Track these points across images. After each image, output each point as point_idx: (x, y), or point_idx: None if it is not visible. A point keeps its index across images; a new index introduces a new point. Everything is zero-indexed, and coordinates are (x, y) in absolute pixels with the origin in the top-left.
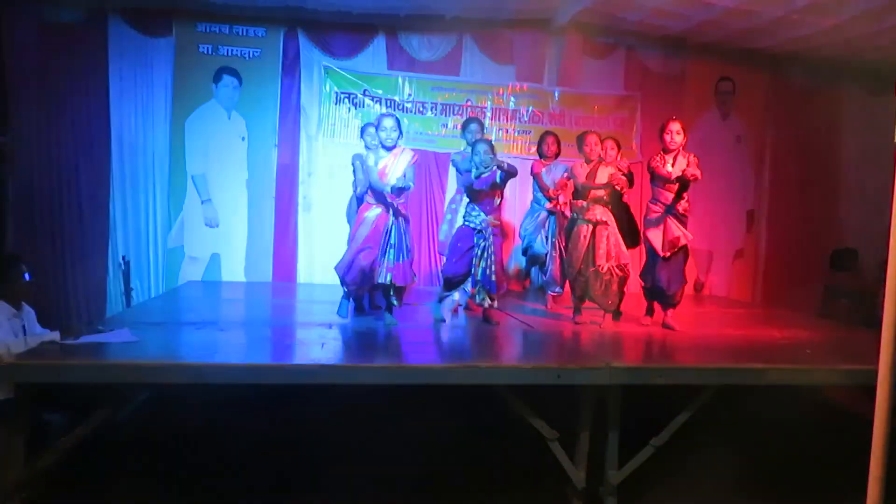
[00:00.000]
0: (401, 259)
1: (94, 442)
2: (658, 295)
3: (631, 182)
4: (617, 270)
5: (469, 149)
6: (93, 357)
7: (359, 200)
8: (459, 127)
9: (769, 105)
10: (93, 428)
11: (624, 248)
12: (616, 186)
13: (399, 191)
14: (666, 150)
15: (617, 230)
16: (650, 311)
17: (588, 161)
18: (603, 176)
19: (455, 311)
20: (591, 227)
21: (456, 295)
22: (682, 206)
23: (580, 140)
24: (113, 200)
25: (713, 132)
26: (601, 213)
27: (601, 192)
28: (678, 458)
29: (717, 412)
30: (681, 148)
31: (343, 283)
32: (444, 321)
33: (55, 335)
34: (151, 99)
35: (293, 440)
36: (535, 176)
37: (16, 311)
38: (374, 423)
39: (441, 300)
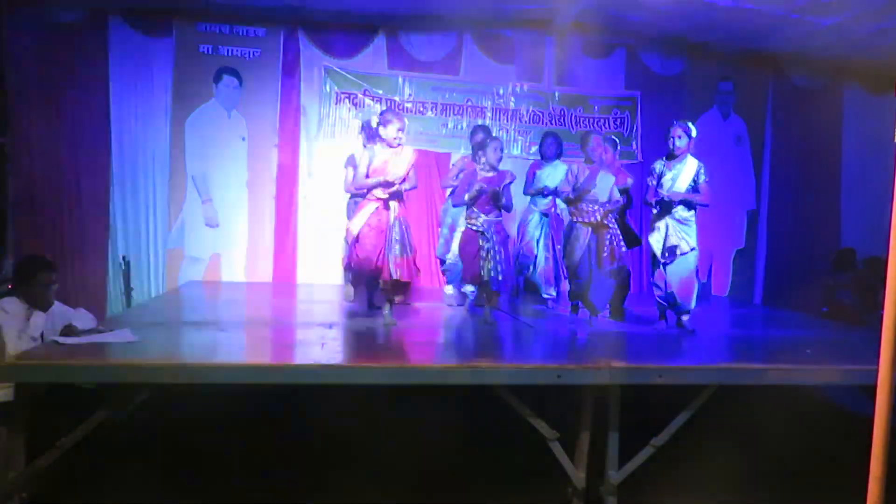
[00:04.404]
0: (406, 255)
1: (94, 442)
2: (671, 304)
3: (629, 200)
4: (616, 273)
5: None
6: (93, 357)
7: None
8: (469, 131)
9: (769, 105)
10: (93, 428)
11: (625, 249)
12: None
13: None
14: (670, 156)
15: (619, 231)
16: (663, 316)
17: (589, 162)
18: (603, 181)
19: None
20: (589, 230)
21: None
22: (683, 212)
23: (584, 139)
24: (113, 200)
25: (713, 132)
26: (602, 215)
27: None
28: (678, 458)
29: (717, 412)
30: (687, 153)
31: (347, 268)
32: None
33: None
34: (151, 99)
35: (293, 440)
36: (526, 180)
37: (33, 312)
38: (374, 423)
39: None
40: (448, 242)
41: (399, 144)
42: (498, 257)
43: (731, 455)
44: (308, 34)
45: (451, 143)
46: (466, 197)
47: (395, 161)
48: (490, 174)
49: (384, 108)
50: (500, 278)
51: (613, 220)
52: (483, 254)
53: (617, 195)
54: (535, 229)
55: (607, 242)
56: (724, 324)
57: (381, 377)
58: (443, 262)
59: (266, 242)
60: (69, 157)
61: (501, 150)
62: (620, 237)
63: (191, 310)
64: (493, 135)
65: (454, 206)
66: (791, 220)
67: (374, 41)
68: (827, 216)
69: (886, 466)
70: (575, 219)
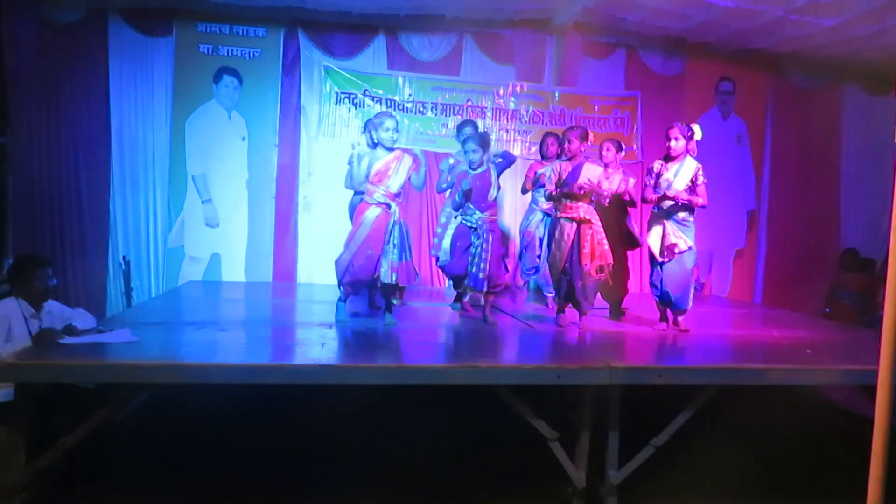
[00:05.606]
0: (404, 259)
1: (94, 442)
2: (667, 302)
3: (630, 201)
4: (597, 272)
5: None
6: (93, 357)
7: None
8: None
9: (769, 105)
10: (93, 428)
11: (607, 247)
12: (598, 197)
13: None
14: (667, 157)
15: (602, 229)
16: (664, 318)
17: (567, 159)
18: (589, 173)
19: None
20: (574, 225)
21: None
22: (681, 213)
23: (563, 136)
24: (113, 200)
25: (713, 132)
26: (585, 210)
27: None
28: (678, 458)
29: (717, 412)
30: (685, 155)
31: (340, 284)
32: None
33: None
34: (151, 99)
35: (293, 440)
36: (526, 178)
37: (34, 311)
38: (374, 423)
39: (457, 299)
40: (440, 242)
41: (394, 143)
42: (484, 255)
43: (731, 455)
44: (308, 34)
45: (451, 143)
46: (458, 197)
47: (396, 166)
48: (478, 171)
49: (384, 108)
50: (480, 276)
51: (596, 217)
52: (472, 250)
53: (605, 184)
54: (537, 229)
55: (588, 239)
56: (724, 324)
57: (381, 377)
58: (437, 259)
59: (266, 242)
60: (69, 156)
61: (476, 152)
62: (604, 236)
63: (191, 310)
64: (490, 131)
65: (454, 208)
66: (791, 220)
67: (374, 41)
68: (827, 216)
69: (886, 466)
70: (559, 214)
